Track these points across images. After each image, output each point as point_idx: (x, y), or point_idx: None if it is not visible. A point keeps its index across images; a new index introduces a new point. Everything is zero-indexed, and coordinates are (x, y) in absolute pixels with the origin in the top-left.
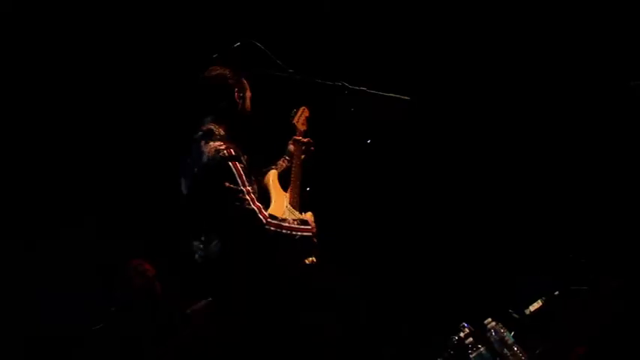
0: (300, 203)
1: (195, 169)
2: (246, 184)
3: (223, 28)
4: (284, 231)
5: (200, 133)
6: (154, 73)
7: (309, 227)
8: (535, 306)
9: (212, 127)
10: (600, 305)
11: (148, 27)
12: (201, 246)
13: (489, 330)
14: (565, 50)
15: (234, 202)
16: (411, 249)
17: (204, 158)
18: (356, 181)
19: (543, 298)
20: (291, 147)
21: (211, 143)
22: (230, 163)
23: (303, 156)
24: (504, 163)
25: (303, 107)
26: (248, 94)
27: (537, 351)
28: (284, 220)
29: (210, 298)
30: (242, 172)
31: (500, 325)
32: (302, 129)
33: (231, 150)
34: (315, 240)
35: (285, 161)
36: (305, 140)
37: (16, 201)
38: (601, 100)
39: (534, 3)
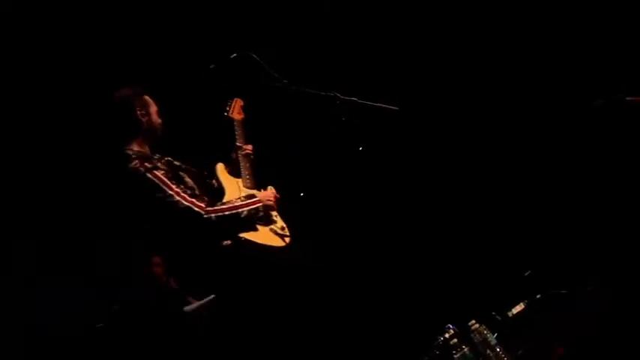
0: (255, 183)
1: (131, 197)
2: (172, 186)
3: (219, 40)
4: (227, 213)
5: (121, 160)
6: (151, 84)
7: (255, 199)
8: (517, 308)
9: (127, 151)
10: (580, 308)
11: (146, 38)
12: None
13: (473, 331)
14: (549, 60)
15: (169, 208)
16: (398, 253)
17: (131, 183)
18: (348, 187)
19: (525, 300)
20: (233, 155)
21: (129, 166)
22: (149, 176)
23: (247, 160)
24: (491, 168)
25: (236, 98)
26: (153, 108)
27: (519, 352)
28: (225, 202)
29: (211, 297)
30: (163, 178)
31: (484, 327)
32: (239, 118)
33: (145, 164)
34: (265, 209)
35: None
36: (247, 150)
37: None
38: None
39: (520, 15)
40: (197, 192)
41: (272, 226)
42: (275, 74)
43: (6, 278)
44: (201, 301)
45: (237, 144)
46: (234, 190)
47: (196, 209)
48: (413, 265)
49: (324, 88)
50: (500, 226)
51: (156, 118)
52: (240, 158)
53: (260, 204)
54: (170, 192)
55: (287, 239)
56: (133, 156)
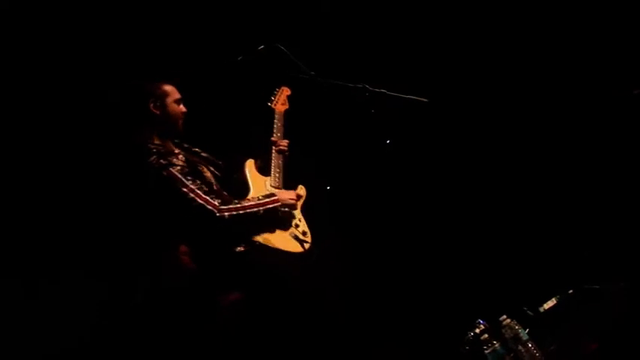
0: (283, 182)
1: (146, 196)
2: (187, 183)
3: (247, 31)
4: (241, 212)
5: (137, 152)
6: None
7: (273, 199)
8: (549, 304)
9: (148, 145)
10: (613, 303)
11: (170, 30)
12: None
13: (504, 326)
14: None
15: (182, 206)
16: (428, 245)
17: (147, 181)
18: (377, 180)
19: (557, 295)
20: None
21: (147, 161)
22: (164, 173)
23: (280, 157)
24: (519, 162)
25: (282, 87)
26: (171, 98)
27: (551, 348)
28: (242, 200)
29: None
30: (178, 175)
31: (515, 322)
32: (282, 109)
33: (160, 160)
34: (284, 209)
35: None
36: (281, 146)
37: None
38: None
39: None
40: (215, 187)
41: (292, 230)
42: (303, 66)
43: (24, 276)
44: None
45: (273, 138)
46: (260, 188)
47: (209, 207)
48: (443, 259)
49: (353, 80)
50: (533, 220)
51: (174, 108)
52: (273, 154)
53: (278, 203)
54: (184, 189)
55: (306, 245)
56: (154, 150)
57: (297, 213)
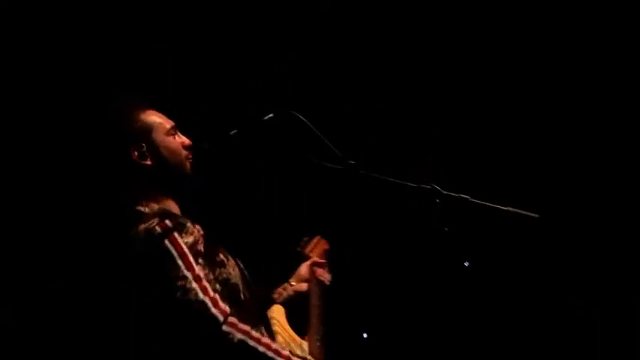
0: (322, 352)
1: (130, 273)
2: (194, 266)
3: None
4: (260, 349)
5: (125, 219)
6: None
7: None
8: None
9: (139, 208)
10: None
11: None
12: None
13: None
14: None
15: (175, 295)
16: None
17: (137, 249)
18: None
19: None
20: (303, 270)
21: (141, 226)
22: (166, 242)
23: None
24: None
25: (318, 237)
26: (158, 133)
27: None
28: (265, 337)
29: None
30: (185, 251)
31: None
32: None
33: (166, 222)
34: None
35: (288, 288)
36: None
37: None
38: None
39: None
40: (242, 296)
41: None
42: (334, 148)
43: None
44: None
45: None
46: (293, 338)
47: (214, 311)
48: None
49: (417, 177)
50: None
51: (171, 144)
52: (312, 310)
53: None
54: (186, 273)
55: None
56: (148, 213)
57: None
